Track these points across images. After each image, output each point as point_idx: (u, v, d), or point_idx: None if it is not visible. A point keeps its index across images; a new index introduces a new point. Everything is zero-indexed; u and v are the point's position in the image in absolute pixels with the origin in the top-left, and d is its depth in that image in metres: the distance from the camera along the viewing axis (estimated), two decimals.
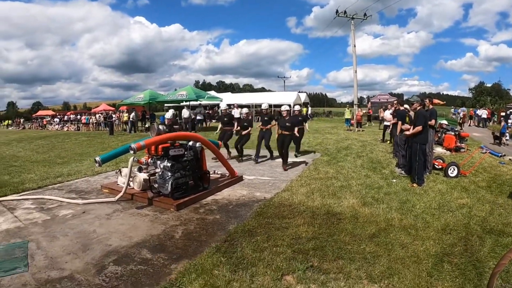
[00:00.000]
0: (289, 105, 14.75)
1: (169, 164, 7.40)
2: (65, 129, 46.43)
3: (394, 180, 8.91)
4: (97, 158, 7.64)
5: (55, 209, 7.72)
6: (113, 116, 35.24)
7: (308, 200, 7.23)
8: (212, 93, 41.51)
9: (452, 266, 4.30)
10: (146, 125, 32.75)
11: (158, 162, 7.71)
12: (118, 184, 8.91)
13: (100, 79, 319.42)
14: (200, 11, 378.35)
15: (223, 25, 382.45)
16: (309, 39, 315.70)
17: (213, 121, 33.91)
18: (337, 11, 30.57)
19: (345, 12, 30.55)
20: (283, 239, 5.23)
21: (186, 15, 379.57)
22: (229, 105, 36.78)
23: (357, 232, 5.46)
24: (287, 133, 11.01)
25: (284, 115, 11.37)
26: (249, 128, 12.81)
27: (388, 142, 16.85)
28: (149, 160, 8.18)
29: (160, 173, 7.59)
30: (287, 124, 11.10)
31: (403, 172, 9.64)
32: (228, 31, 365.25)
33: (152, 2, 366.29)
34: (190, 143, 8.24)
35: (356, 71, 29.84)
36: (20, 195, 9.17)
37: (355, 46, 30.29)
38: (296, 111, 13.90)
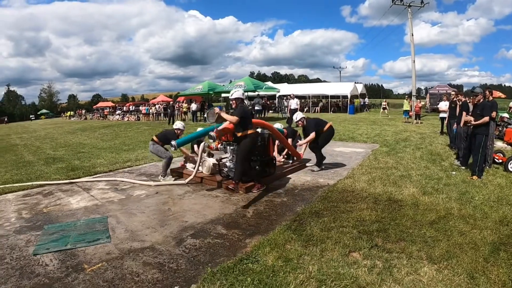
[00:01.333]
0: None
1: None
2: (126, 119, 48.05)
3: (454, 173, 8.94)
4: (173, 142, 8.01)
5: (129, 190, 8.41)
6: (173, 106, 36.08)
7: (370, 187, 7.52)
8: (269, 83, 41.78)
9: (508, 255, 4.43)
10: (205, 115, 33.40)
11: (229, 147, 8.17)
12: (187, 168, 9.47)
13: (157, 71, 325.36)
14: (253, 3, 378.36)
15: (277, 16, 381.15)
16: (365, 28, 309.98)
17: (270, 111, 34.09)
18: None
19: (401, 0, 29.93)
20: (348, 221, 5.57)
21: (239, 7, 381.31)
22: (285, 96, 37.13)
23: (417, 218, 5.70)
24: None
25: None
26: None
27: (447, 134, 16.48)
28: (219, 145, 8.54)
29: (230, 158, 8.05)
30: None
31: (462, 165, 9.57)
32: (282, 22, 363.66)
33: None
34: (259, 129, 8.52)
35: (414, 61, 29.12)
36: (93, 177, 10.06)
37: (412, 35, 29.41)
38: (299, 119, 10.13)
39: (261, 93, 32.52)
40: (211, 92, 33.77)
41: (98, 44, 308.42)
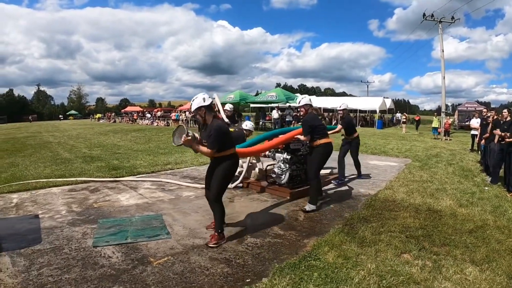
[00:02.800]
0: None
1: (288, 157, 8.24)
2: (155, 124, 48.72)
3: (486, 188, 9.21)
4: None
5: (176, 191, 8.94)
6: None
7: (409, 198, 7.93)
8: (298, 95, 42.21)
9: None
10: (236, 124, 33.94)
11: (277, 154, 8.54)
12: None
13: (184, 79, 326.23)
14: (281, 15, 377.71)
15: (305, 28, 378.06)
16: (392, 42, 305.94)
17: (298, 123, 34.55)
18: (424, 15, 29.95)
19: (432, 15, 29.86)
20: (395, 227, 6.05)
21: (267, 19, 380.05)
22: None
23: (457, 227, 6.13)
24: None
25: None
26: None
27: (476, 151, 16.70)
28: (268, 152, 8.87)
29: (277, 165, 8.41)
30: None
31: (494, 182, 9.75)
32: (309, 34, 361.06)
33: (235, 6, 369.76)
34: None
35: (444, 77, 29.05)
36: (137, 177, 10.62)
37: (443, 51, 29.33)
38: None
39: (292, 104, 32.67)
40: (242, 101, 34.34)
41: (127, 50, 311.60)
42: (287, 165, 8.23)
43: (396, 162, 13.62)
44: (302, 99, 7.59)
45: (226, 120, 8.80)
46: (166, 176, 10.69)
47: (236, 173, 9.50)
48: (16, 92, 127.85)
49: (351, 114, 44.81)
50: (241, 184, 9.13)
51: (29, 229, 6.30)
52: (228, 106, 12.15)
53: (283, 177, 8.24)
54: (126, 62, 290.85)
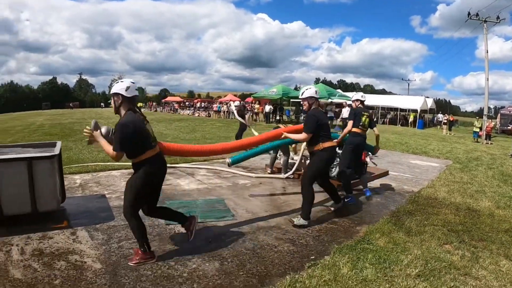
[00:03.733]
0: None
1: (340, 151, 8.56)
2: (196, 114, 49.47)
3: None
4: (228, 160, 7.65)
5: (232, 178, 9.60)
6: (245, 106, 37.28)
7: (450, 197, 8.42)
8: (339, 91, 42.28)
9: None
10: (277, 118, 34.48)
11: None
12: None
13: (223, 71, 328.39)
14: (322, 9, 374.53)
15: (345, 22, 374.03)
16: (434, 39, 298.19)
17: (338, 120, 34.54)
18: (469, 14, 29.06)
19: (477, 14, 29.01)
20: (437, 221, 6.62)
21: (308, 12, 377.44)
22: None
23: (494, 226, 6.62)
24: None
25: None
26: None
27: None
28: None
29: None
30: None
31: None
32: (350, 29, 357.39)
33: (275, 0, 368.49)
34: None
35: (487, 79, 28.24)
36: (191, 164, 11.27)
37: (487, 52, 28.22)
38: None
39: (334, 100, 33.00)
40: (285, 96, 34.78)
41: (167, 41, 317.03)
42: (338, 159, 8.60)
43: (437, 163, 13.91)
44: (306, 91, 6.41)
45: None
46: (219, 165, 11.33)
47: (289, 164, 10.16)
48: (59, 80, 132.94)
49: (392, 113, 44.70)
50: (292, 176, 9.66)
51: (99, 207, 6.97)
52: (235, 103, 12.53)
53: (333, 170, 8.74)
54: (167, 53, 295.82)
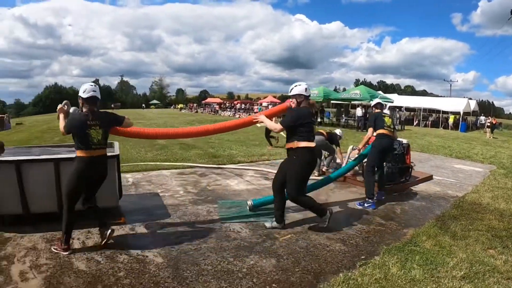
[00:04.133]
0: None
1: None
2: (237, 116, 49.74)
3: None
4: (249, 202, 7.09)
5: None
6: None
7: (494, 203, 8.44)
8: (380, 93, 41.90)
9: None
10: (318, 120, 34.52)
11: None
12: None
13: (261, 72, 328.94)
14: (360, 8, 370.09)
15: (385, 22, 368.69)
16: (476, 38, 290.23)
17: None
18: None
19: None
20: (481, 226, 6.72)
21: (346, 12, 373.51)
22: (397, 107, 37.38)
23: None
24: None
25: None
26: None
27: None
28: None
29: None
30: None
31: None
32: (389, 29, 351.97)
33: (313, 0, 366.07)
34: (404, 140, 9.72)
35: None
36: (238, 165, 11.74)
37: None
38: None
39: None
40: (326, 98, 34.82)
41: (206, 43, 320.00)
42: (384, 163, 8.75)
43: (481, 168, 13.79)
44: (295, 87, 6.11)
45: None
46: (265, 167, 11.64)
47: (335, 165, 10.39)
48: (101, 82, 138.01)
49: (434, 115, 43.91)
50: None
51: (154, 205, 7.36)
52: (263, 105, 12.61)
53: (378, 172, 8.74)
54: (206, 55, 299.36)
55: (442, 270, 4.90)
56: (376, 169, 7.93)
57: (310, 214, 6.72)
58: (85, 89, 5.15)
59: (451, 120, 41.53)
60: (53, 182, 5.91)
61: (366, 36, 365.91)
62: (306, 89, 6.05)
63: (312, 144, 5.95)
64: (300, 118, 5.85)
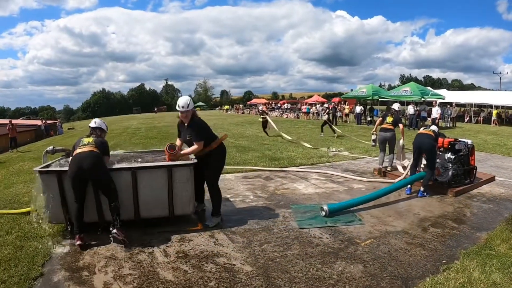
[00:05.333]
0: None
1: (452, 157, 9.00)
2: (284, 116, 50.09)
3: None
4: (325, 208, 7.20)
5: (345, 183, 10.04)
6: (335, 107, 37.36)
7: None
8: (429, 89, 40.96)
9: None
10: (368, 119, 34.35)
11: (441, 153, 9.23)
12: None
13: (305, 71, 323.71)
14: (402, 1, 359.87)
15: (428, 13, 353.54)
16: None
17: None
18: None
19: None
20: None
21: (388, 5, 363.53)
22: (448, 103, 36.57)
23: None
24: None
25: None
26: None
27: None
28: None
29: (441, 163, 9.13)
30: None
31: None
32: (433, 20, 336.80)
33: None
34: (468, 141, 9.66)
35: None
36: (300, 168, 11.93)
37: None
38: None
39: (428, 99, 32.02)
40: (375, 96, 34.65)
41: (248, 44, 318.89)
42: (450, 164, 8.97)
43: None
44: (190, 102, 6.70)
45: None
46: (328, 169, 11.79)
47: (400, 168, 10.57)
48: (147, 86, 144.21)
49: (486, 110, 42.43)
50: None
51: (228, 210, 7.60)
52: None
53: (446, 174, 9.03)
54: (248, 56, 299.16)
55: None
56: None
57: (384, 218, 7.09)
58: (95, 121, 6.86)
59: (494, 115, 38.74)
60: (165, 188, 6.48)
61: (409, 30, 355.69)
62: (188, 104, 6.67)
63: (220, 140, 6.92)
64: (203, 125, 6.79)
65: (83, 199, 5.90)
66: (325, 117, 22.93)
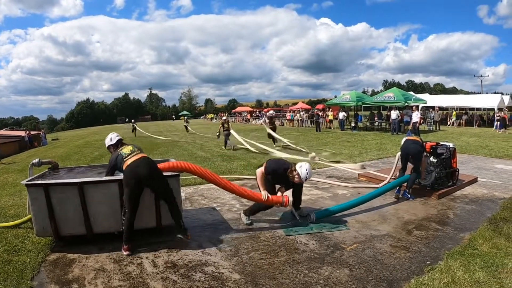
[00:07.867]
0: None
1: (434, 160, 9.18)
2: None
3: None
4: (312, 216, 7.37)
5: (330, 189, 10.18)
6: (319, 114, 37.66)
7: None
8: (411, 93, 41.49)
9: None
10: (352, 124, 34.64)
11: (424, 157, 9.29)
12: (375, 174, 11.19)
13: (289, 78, 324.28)
14: (385, 8, 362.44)
15: (411, 19, 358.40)
16: (504, 30, 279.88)
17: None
18: None
19: None
20: None
21: (371, 12, 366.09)
22: (431, 107, 37.15)
23: None
24: None
25: None
26: None
27: None
28: None
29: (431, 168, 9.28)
30: None
31: None
32: (416, 26, 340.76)
33: (336, 3, 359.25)
34: (449, 144, 9.78)
35: None
36: None
37: None
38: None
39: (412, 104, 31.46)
40: (359, 102, 34.96)
41: (233, 52, 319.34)
42: (432, 167, 9.16)
43: None
44: (114, 137, 6.81)
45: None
46: (314, 176, 11.61)
47: (379, 174, 10.60)
48: (131, 95, 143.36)
49: (470, 113, 42.93)
50: None
51: (215, 219, 7.67)
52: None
53: (429, 177, 9.22)
54: (233, 64, 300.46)
55: (502, 271, 5.14)
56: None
57: (369, 222, 7.22)
58: (110, 138, 6.80)
59: (453, 116, 39.93)
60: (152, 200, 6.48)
61: (392, 36, 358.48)
62: (111, 138, 6.77)
63: (134, 158, 6.23)
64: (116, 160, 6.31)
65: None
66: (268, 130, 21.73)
